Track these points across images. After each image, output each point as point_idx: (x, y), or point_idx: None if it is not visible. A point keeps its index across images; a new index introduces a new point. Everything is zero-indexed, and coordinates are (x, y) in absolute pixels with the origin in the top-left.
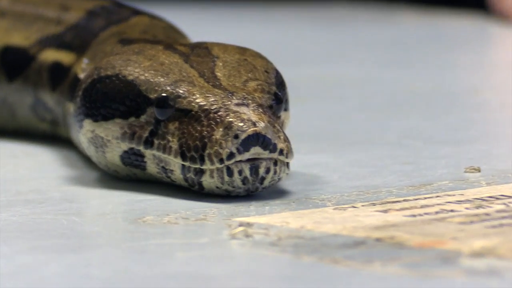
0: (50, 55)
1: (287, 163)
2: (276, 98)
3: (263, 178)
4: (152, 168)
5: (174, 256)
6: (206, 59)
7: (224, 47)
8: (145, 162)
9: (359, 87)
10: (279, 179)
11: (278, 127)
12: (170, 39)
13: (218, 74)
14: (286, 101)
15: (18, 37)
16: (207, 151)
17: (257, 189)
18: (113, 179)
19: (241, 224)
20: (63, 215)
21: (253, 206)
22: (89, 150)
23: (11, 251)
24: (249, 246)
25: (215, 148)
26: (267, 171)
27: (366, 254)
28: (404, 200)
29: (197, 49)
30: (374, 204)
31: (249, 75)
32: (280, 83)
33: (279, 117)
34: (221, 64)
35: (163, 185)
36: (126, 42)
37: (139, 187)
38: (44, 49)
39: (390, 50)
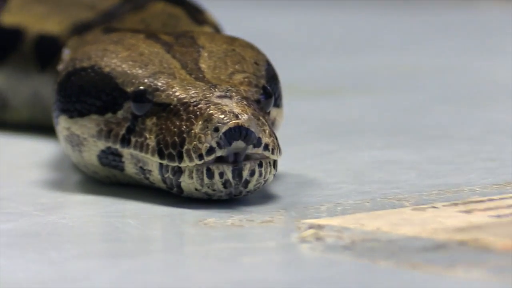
0: None
1: (274, 162)
2: (265, 92)
3: (247, 182)
4: (130, 168)
5: (239, 261)
6: (191, 49)
7: (212, 36)
8: (123, 162)
9: (437, 77)
10: (265, 181)
11: (264, 121)
12: (166, 29)
13: (203, 65)
14: (279, 96)
15: (52, 24)
16: (185, 147)
17: (240, 193)
18: None
19: (311, 226)
20: (117, 218)
21: (324, 206)
22: (66, 150)
23: (61, 257)
24: (321, 251)
25: (194, 143)
26: (252, 173)
27: (448, 259)
28: (489, 200)
29: (182, 38)
30: (456, 204)
31: (236, 66)
32: (272, 77)
33: (268, 113)
34: (206, 54)
35: None
36: (109, 30)
37: None
38: (73, 37)
39: (472, 37)
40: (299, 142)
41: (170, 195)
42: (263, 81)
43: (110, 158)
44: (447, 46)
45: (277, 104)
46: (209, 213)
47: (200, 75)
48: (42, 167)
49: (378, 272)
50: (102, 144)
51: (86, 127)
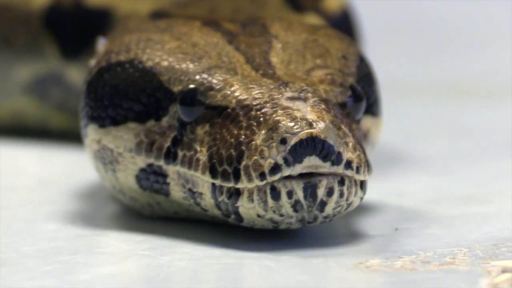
0: None
1: (362, 183)
2: (353, 94)
3: (323, 203)
4: (176, 192)
5: None
6: (260, 40)
7: (289, 24)
8: (168, 183)
9: None
10: (349, 205)
11: (347, 131)
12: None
13: (274, 59)
14: (375, 101)
15: (147, 3)
16: (243, 163)
17: (315, 219)
18: None
19: (504, 270)
20: (250, 259)
21: None
22: (98, 169)
23: None
24: None
25: (255, 157)
26: (330, 192)
27: None
28: None
29: (251, 26)
30: None
31: (317, 61)
32: (365, 75)
33: (357, 122)
34: (279, 46)
35: (382, 214)
36: (157, 16)
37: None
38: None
39: None
40: (479, 160)
41: (315, 227)
42: (351, 80)
43: (152, 179)
44: None
45: (373, 112)
46: (370, 253)
47: (270, 71)
48: None
49: None
50: (142, 161)
51: (122, 139)
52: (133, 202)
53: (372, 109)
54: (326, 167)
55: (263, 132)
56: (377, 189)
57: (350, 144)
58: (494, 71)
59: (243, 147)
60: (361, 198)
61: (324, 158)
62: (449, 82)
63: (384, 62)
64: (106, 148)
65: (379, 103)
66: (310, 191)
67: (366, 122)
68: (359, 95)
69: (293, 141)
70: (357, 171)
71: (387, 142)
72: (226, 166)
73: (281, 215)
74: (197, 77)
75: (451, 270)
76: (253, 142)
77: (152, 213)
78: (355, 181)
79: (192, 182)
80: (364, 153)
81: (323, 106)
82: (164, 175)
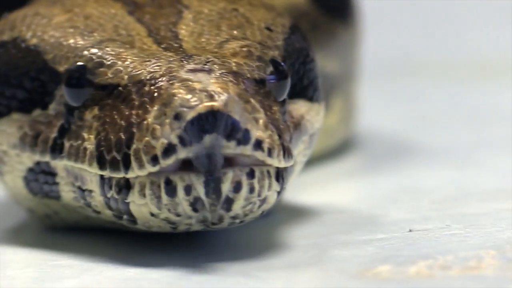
0: None
1: (279, 172)
2: (275, 70)
3: (230, 201)
4: (66, 193)
5: None
6: (169, 10)
7: None
8: (57, 183)
9: None
10: (263, 202)
11: (257, 106)
12: None
13: (182, 31)
14: (311, 84)
15: None
16: (133, 147)
17: (221, 220)
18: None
19: None
20: (229, 276)
21: None
22: None
23: None
24: None
25: (146, 139)
26: (237, 187)
27: None
28: None
29: None
30: None
31: (234, 32)
32: (296, 51)
33: (282, 104)
34: (190, 16)
35: (393, 213)
36: None
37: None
38: None
39: None
40: (508, 149)
41: (305, 228)
42: (273, 53)
43: (41, 179)
44: None
45: (308, 96)
46: (378, 258)
47: (175, 44)
48: None
49: None
50: (28, 159)
51: (5, 134)
52: (31, 212)
53: (307, 92)
54: (230, 148)
55: (155, 108)
56: (387, 185)
57: (261, 121)
58: None
59: (133, 129)
60: (279, 193)
61: (228, 137)
62: (470, 58)
63: (393, 36)
64: None
65: (316, 86)
66: (213, 186)
67: (299, 107)
68: (282, 71)
69: (189, 116)
70: (270, 154)
71: (399, 130)
72: (115, 153)
73: (178, 215)
74: (85, 52)
75: (476, 276)
76: (144, 122)
77: (53, 225)
78: (269, 172)
79: (81, 179)
80: (281, 136)
81: (230, 78)
82: (53, 174)
